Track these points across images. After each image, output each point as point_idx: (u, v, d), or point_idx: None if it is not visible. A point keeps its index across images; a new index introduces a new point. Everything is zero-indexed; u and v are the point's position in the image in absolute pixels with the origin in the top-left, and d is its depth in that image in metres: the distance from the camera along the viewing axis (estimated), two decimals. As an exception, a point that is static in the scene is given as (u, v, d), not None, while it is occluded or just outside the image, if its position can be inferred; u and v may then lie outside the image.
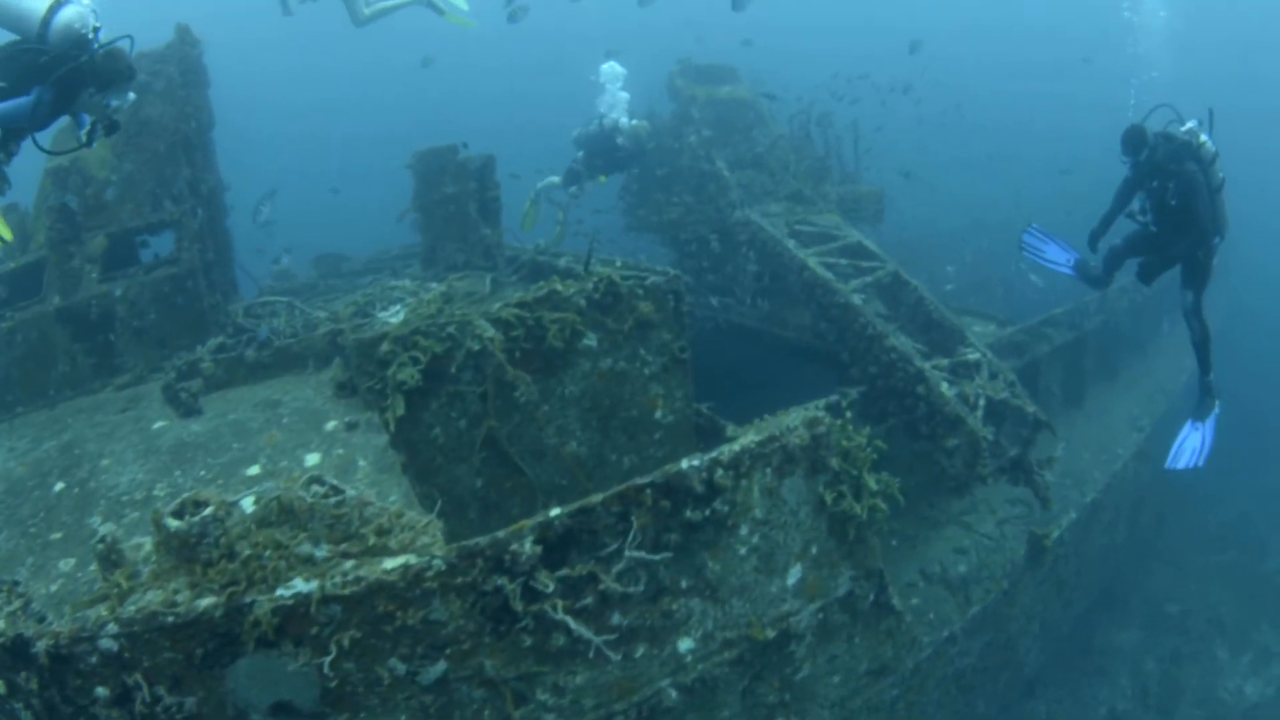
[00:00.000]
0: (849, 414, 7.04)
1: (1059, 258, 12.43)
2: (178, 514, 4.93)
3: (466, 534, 7.59)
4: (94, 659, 4.58)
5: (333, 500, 5.22)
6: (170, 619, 4.57)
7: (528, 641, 5.33)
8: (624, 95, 15.58)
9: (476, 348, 7.17)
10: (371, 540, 5.17)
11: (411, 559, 5.01)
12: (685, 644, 5.94)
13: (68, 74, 7.68)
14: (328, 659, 4.77)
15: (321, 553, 5.07)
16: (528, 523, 5.21)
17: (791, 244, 11.87)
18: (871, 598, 7.09)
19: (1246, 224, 11.29)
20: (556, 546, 5.31)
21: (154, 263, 10.28)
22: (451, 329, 7.14)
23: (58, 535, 6.78)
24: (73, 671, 4.60)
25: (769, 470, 6.12)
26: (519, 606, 5.20)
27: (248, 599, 4.66)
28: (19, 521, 7.02)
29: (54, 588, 6.24)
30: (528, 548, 5.17)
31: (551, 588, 5.23)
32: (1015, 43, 55.56)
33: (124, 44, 7.99)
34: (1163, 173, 10.35)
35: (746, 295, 13.25)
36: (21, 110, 7.67)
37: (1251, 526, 17.86)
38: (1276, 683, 13.69)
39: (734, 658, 6.17)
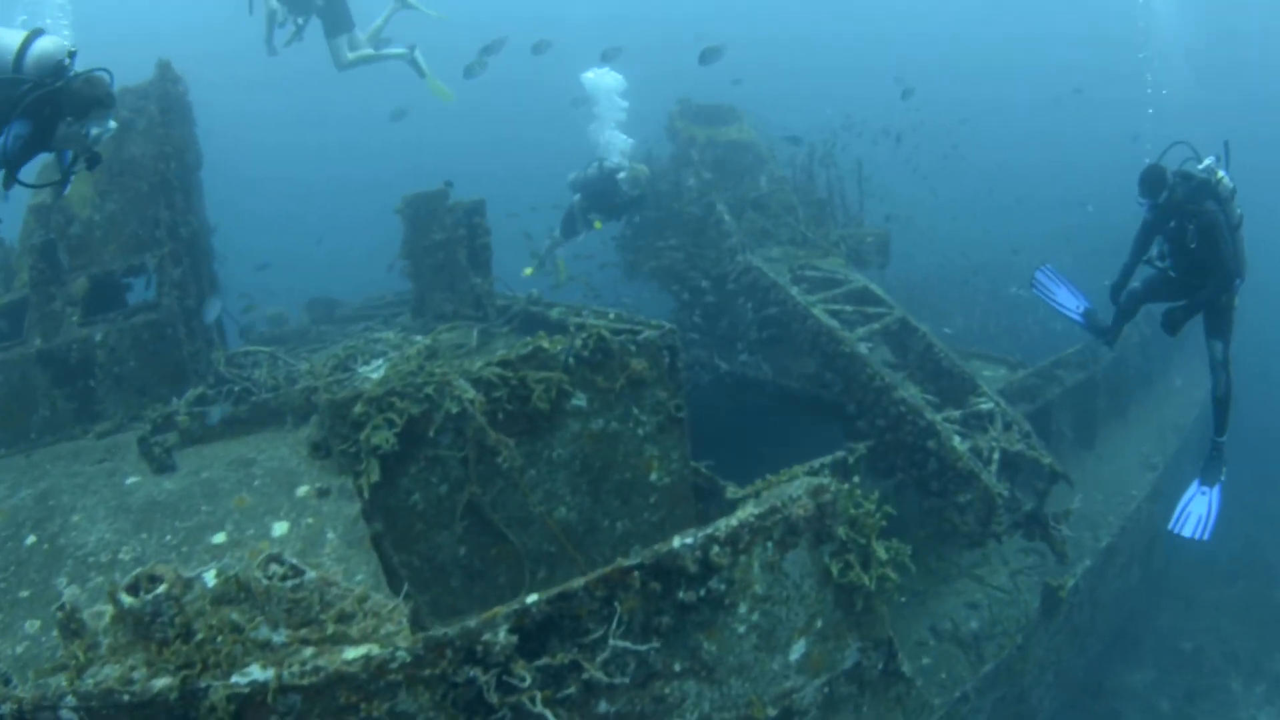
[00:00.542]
0: (856, 478, 6.58)
1: (1069, 303, 12.15)
2: (133, 589, 4.74)
3: (449, 603, 7.29)
4: (58, 727, 4.28)
5: (289, 584, 4.83)
6: (126, 697, 4.42)
7: (505, 734, 4.87)
8: (622, 104, 15.26)
9: (456, 410, 6.71)
10: (331, 628, 4.76)
11: (374, 649, 4.64)
12: (680, 729, 5.49)
13: (42, 101, 7.43)
14: (289, 750, 4.43)
15: (280, 638, 4.78)
16: (501, 610, 4.78)
17: (795, 290, 11.42)
18: (880, 666, 6.74)
19: (1258, 244, 10.82)
20: (534, 634, 4.87)
21: (134, 307, 9.99)
22: (429, 389, 6.69)
23: (26, 593, 6.54)
24: (36, 738, 4.38)
25: (770, 544, 5.70)
26: (494, 699, 4.76)
27: (203, 683, 4.45)
28: (-8, 573, 6.78)
29: (19, 649, 6.03)
30: (501, 637, 4.74)
31: (529, 680, 4.79)
32: (1026, 80, 55.30)
33: (102, 74, 7.74)
34: (1181, 213, 9.91)
35: (747, 344, 12.82)
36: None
37: (1260, 552, 17.77)
38: (1292, 710, 13.56)
39: (734, 740, 5.74)
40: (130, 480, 7.86)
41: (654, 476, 7.61)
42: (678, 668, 5.46)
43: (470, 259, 10.46)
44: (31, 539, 7.10)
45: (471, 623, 4.71)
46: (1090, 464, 13.78)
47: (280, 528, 6.66)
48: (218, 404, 8.93)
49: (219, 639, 4.63)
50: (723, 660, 5.66)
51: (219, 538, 6.75)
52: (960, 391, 10.53)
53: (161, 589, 4.69)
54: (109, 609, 4.91)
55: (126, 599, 4.68)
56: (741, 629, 5.71)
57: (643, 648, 5.08)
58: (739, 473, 8.64)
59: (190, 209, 11.04)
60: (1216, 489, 10.80)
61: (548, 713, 4.84)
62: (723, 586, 5.48)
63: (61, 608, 4.89)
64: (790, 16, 59.52)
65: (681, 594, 5.29)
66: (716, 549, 5.34)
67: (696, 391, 12.71)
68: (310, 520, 6.67)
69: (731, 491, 8.07)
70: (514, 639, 4.77)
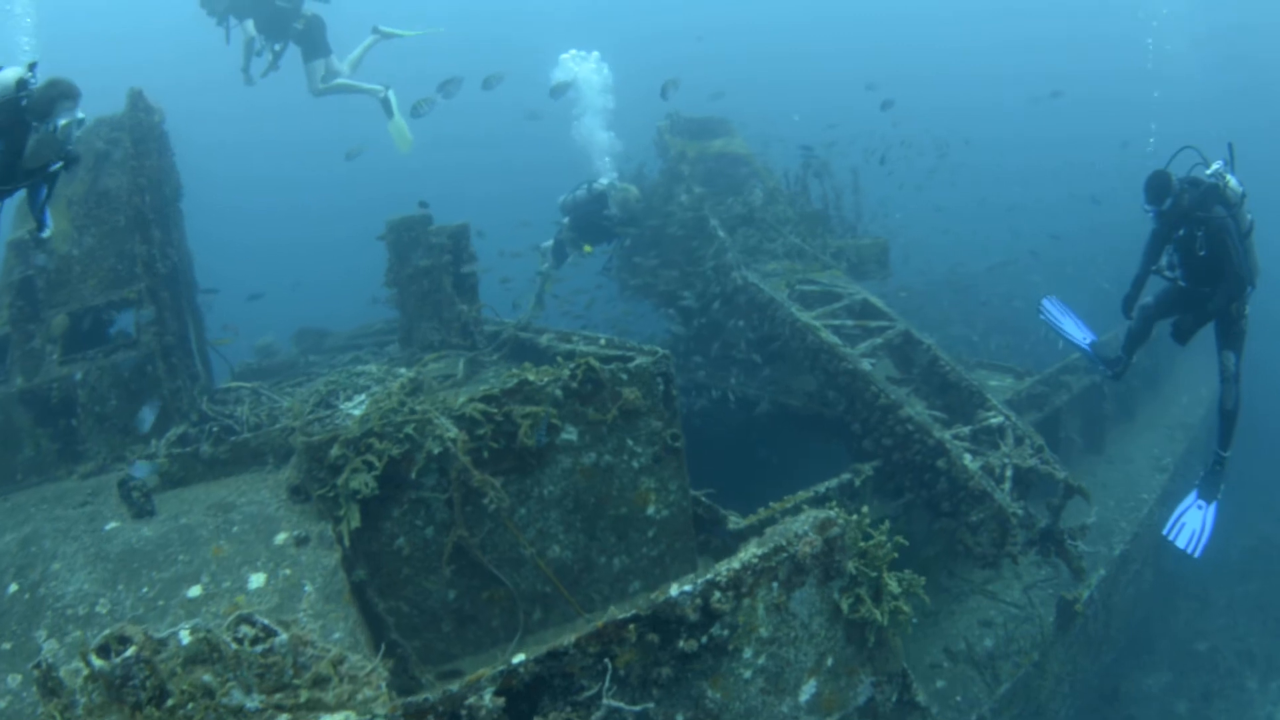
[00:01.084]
0: (866, 508, 6.23)
1: (1076, 334, 12.10)
2: (103, 651, 4.46)
3: (441, 649, 6.93)
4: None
5: (258, 649, 4.50)
6: (102, 762, 4.02)
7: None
8: (609, 104, 14.99)
9: (438, 450, 6.34)
10: (304, 695, 4.42)
11: (351, 717, 4.26)
12: (685, 779, 5.16)
13: (11, 120, 7.48)
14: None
15: (253, 703, 4.45)
16: (486, 672, 4.45)
17: (794, 307, 11.06)
18: (894, 699, 6.44)
19: (1267, 240, 10.51)
20: (524, 694, 4.52)
21: (114, 345, 9.76)
22: (409, 429, 6.31)
23: (7, 645, 6.38)
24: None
25: (775, 585, 5.37)
26: (483, 764, 4.40)
27: (176, 753, 4.08)
28: (-26, 624, 6.59)
29: (2, 704, 5.97)
30: (487, 700, 4.42)
31: (518, 744, 4.44)
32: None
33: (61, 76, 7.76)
34: (1190, 220, 9.58)
35: (744, 365, 12.45)
36: None
37: (1274, 550, 17.56)
38: (1308, 706, 13.48)
39: (742, 787, 5.43)
40: (110, 526, 7.56)
41: (651, 510, 7.23)
42: (680, 718, 5.11)
43: (456, 285, 10.11)
44: (14, 587, 6.90)
45: (455, 686, 4.38)
46: (1100, 469, 13.64)
47: (257, 580, 6.33)
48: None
49: (190, 705, 4.34)
50: (728, 707, 5.34)
51: (195, 591, 6.44)
52: (968, 405, 10.18)
53: (130, 651, 4.42)
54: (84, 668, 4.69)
55: (97, 662, 4.43)
56: (747, 674, 5.39)
57: (637, 708, 4.73)
58: (741, 499, 8.36)
59: (169, 241, 10.79)
60: (1213, 507, 10.62)
61: (540, 780, 4.52)
62: (726, 632, 5.16)
63: (39, 665, 4.64)
64: (781, 28, 59.54)
65: (682, 643, 4.96)
66: (718, 595, 5.01)
67: (694, 414, 12.41)
68: (288, 571, 6.32)
69: (734, 522, 7.75)
70: (501, 701, 4.43)
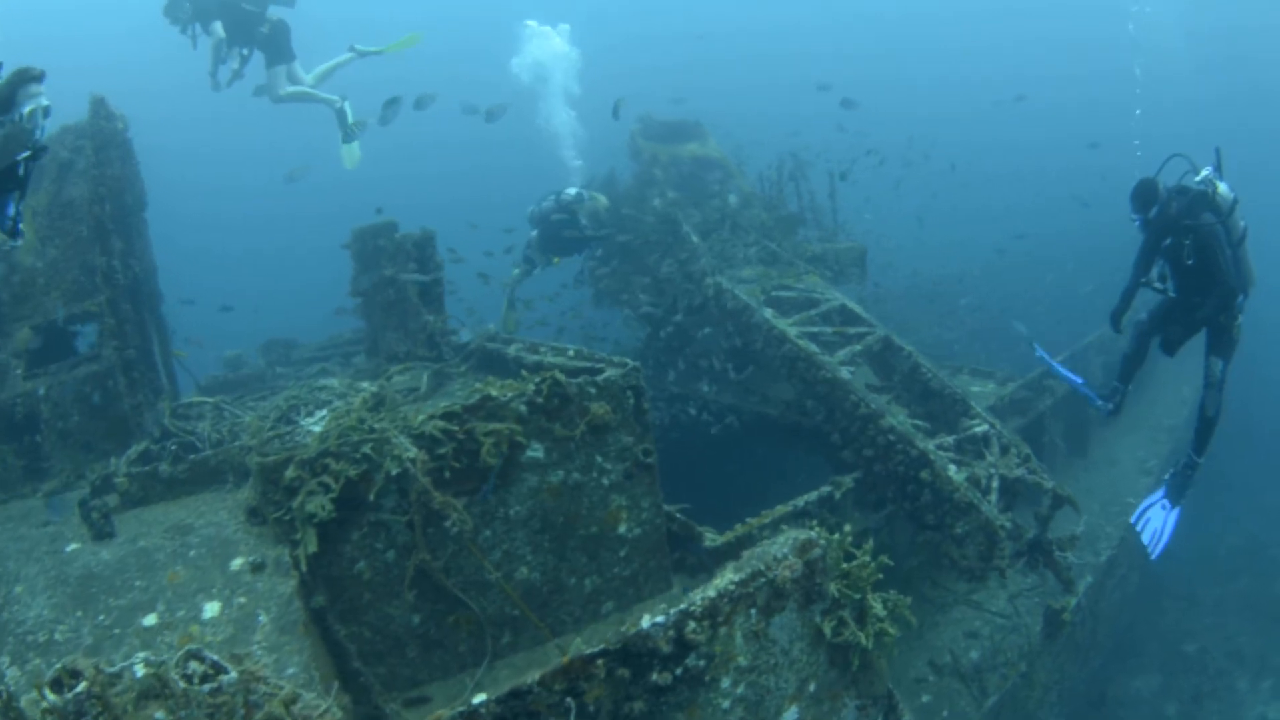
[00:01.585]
0: (848, 526, 5.97)
1: (1069, 375, 11.95)
2: (56, 684, 4.18)
3: (407, 675, 6.65)
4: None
5: (206, 689, 4.24)
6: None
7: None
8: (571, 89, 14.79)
9: (396, 470, 6.05)
10: (254, 739, 4.15)
11: (304, 762, 3.99)
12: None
13: None
14: None
15: None
16: (445, 713, 4.15)
17: (769, 313, 10.80)
18: None
19: (1264, 246, 10.33)
20: (487, 735, 4.24)
21: (77, 359, 9.58)
22: (367, 448, 6.02)
23: None
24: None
25: (754, 611, 5.11)
26: (443, 809, 4.14)
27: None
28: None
29: None
30: (446, 744, 4.11)
31: (480, 788, 4.16)
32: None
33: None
34: (1178, 229, 9.34)
35: (717, 376, 12.19)
36: None
37: (1261, 548, 17.61)
38: (1299, 704, 13.47)
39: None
40: (70, 548, 7.31)
41: (623, 528, 6.95)
42: (656, 752, 4.85)
43: (422, 295, 9.83)
44: (-23, 612, 6.66)
45: (410, 730, 4.11)
46: (1085, 473, 13.69)
47: (211, 609, 6.03)
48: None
49: (140, 744, 4.06)
50: (706, 739, 5.07)
51: (150, 619, 6.15)
52: (951, 413, 9.98)
53: (81, 687, 4.17)
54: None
55: (50, 696, 4.17)
56: (725, 704, 5.14)
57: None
58: (718, 514, 8.10)
59: (131, 252, 10.54)
60: (1176, 512, 10.48)
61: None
62: (702, 663, 4.90)
63: (1, 694, 4.62)
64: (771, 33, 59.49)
65: (655, 676, 4.69)
66: (693, 625, 4.75)
67: (667, 427, 12.17)
68: (243, 600, 6.03)
69: (710, 539, 7.50)
70: (461, 744, 4.16)
